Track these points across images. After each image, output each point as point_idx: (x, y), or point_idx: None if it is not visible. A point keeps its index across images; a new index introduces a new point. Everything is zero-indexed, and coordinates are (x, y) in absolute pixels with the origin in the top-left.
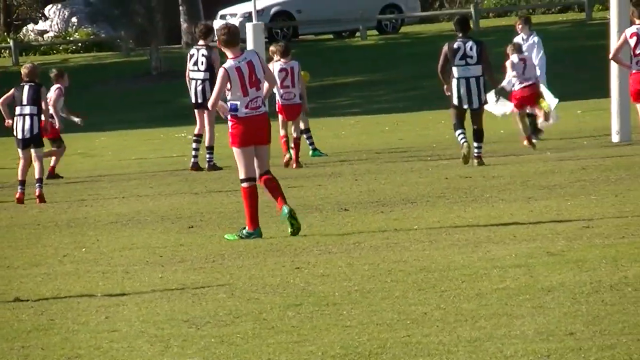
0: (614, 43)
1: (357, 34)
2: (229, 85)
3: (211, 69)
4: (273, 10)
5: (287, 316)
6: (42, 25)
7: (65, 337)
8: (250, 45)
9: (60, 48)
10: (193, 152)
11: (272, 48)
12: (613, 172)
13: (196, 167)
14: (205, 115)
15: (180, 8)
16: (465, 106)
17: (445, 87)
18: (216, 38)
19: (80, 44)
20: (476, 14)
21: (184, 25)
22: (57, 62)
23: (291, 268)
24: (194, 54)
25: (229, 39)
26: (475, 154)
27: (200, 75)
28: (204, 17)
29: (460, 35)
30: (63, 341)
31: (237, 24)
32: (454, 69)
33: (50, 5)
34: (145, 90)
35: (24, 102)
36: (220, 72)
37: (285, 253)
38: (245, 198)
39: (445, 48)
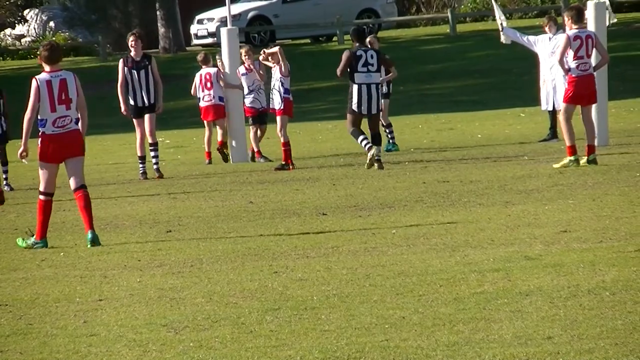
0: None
1: (334, 38)
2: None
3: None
4: (250, 14)
5: (266, 320)
6: (19, 29)
7: (44, 342)
8: (224, 50)
9: (38, 52)
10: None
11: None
12: (590, 176)
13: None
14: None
15: (158, 13)
16: (365, 112)
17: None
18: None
19: None
20: (453, 18)
21: (161, 30)
22: (34, 67)
23: (269, 272)
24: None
25: (50, 55)
26: (377, 158)
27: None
28: (181, 21)
29: (358, 44)
30: (41, 345)
31: (214, 28)
32: (357, 76)
33: (28, 10)
34: None
35: None
36: (33, 84)
37: (264, 257)
38: (39, 210)
39: (348, 54)
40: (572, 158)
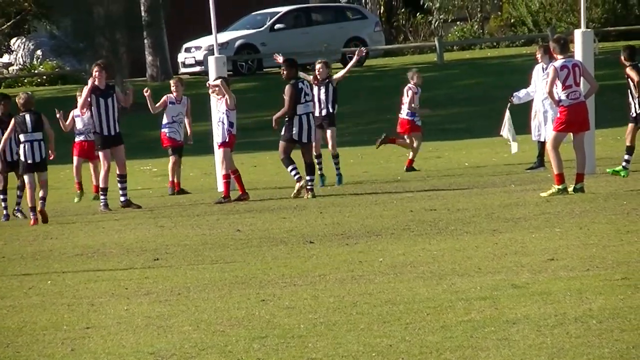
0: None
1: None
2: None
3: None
4: (238, 43)
5: (253, 348)
6: (6, 58)
7: None
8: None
9: (25, 81)
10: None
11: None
12: (577, 204)
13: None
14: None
15: (145, 41)
16: (305, 140)
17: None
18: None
19: (45, 77)
20: (440, 47)
21: (148, 58)
22: None
23: (256, 300)
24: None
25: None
26: (309, 187)
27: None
28: (169, 50)
29: (295, 78)
30: None
31: (201, 56)
32: (299, 107)
33: (15, 39)
34: None
35: (29, 129)
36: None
37: (251, 285)
38: None
39: (292, 90)
40: (559, 187)
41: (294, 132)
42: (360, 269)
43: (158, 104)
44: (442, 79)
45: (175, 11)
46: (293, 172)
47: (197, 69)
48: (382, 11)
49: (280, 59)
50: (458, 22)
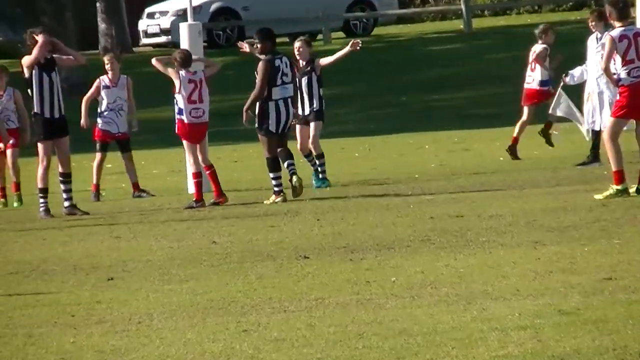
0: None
1: (319, 36)
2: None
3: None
4: (213, 6)
5: None
6: None
7: None
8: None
9: None
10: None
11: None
12: None
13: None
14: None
15: (97, 5)
16: (282, 131)
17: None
18: None
19: None
20: (467, 11)
21: (101, 27)
22: None
23: (237, 331)
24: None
25: None
26: (295, 184)
27: None
28: (127, 16)
29: (271, 52)
30: None
31: (168, 23)
32: (274, 91)
33: None
34: None
35: None
36: None
37: (230, 312)
38: None
39: (266, 65)
40: (619, 187)
41: (271, 123)
42: (367, 290)
43: (91, 91)
44: (469, 52)
45: None
46: (275, 182)
47: (163, 39)
48: None
49: (246, 47)
50: None
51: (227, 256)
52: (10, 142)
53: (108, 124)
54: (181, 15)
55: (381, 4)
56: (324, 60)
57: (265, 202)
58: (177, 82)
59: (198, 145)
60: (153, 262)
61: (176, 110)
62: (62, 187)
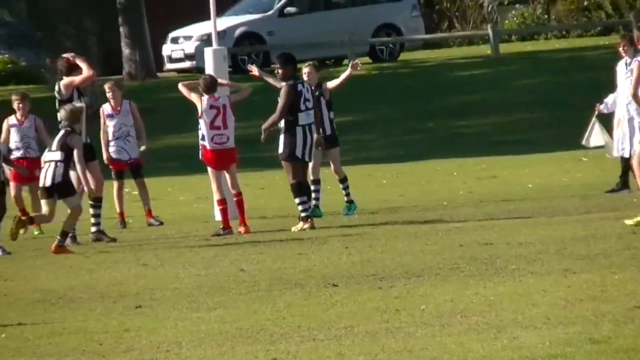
0: None
1: (345, 61)
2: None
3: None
4: (238, 31)
5: None
6: None
7: None
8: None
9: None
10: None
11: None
12: None
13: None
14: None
15: (121, 30)
16: (307, 159)
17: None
18: None
19: None
20: (495, 36)
21: (125, 52)
22: None
23: (266, 359)
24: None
25: None
26: (306, 215)
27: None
28: (151, 39)
29: (293, 77)
30: None
31: (192, 48)
32: (300, 116)
33: None
34: None
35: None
36: None
37: (258, 340)
38: None
39: (289, 89)
40: None
41: (298, 148)
42: (397, 319)
43: (101, 122)
44: (496, 78)
45: None
46: (301, 207)
47: (187, 64)
48: None
49: (255, 70)
50: (517, 6)
51: (255, 284)
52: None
53: (119, 153)
54: (205, 40)
55: (407, 29)
56: (331, 84)
57: (293, 229)
58: (199, 108)
59: (226, 172)
60: (181, 290)
61: (200, 136)
62: (91, 211)
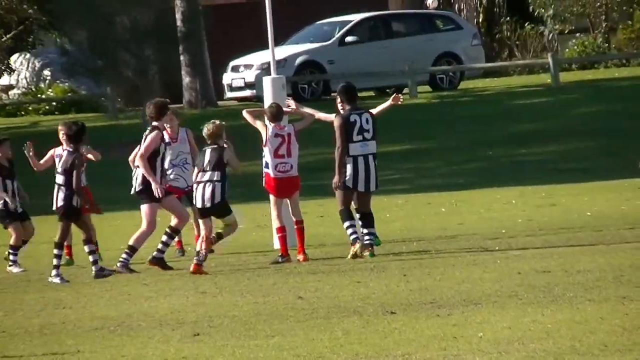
0: None
1: (405, 90)
2: None
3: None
4: (299, 60)
5: None
6: (6, 79)
7: None
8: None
9: (30, 108)
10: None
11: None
12: None
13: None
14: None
15: (182, 58)
16: (362, 189)
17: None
18: None
19: (54, 103)
20: (555, 65)
21: (185, 80)
22: (25, 126)
23: None
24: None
25: None
26: (367, 242)
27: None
28: (212, 69)
29: (350, 107)
30: None
31: (253, 77)
32: (351, 147)
33: (17, 55)
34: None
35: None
36: None
37: None
38: None
39: (341, 121)
40: None
41: (347, 177)
42: (454, 346)
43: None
44: (556, 106)
45: (219, 21)
46: (350, 231)
47: (248, 92)
48: (481, 20)
49: (292, 104)
50: (577, 34)
51: (314, 312)
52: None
53: (176, 181)
54: (266, 69)
55: (468, 58)
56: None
57: (349, 256)
58: (264, 135)
59: (288, 200)
60: (239, 317)
61: (263, 164)
62: (164, 238)
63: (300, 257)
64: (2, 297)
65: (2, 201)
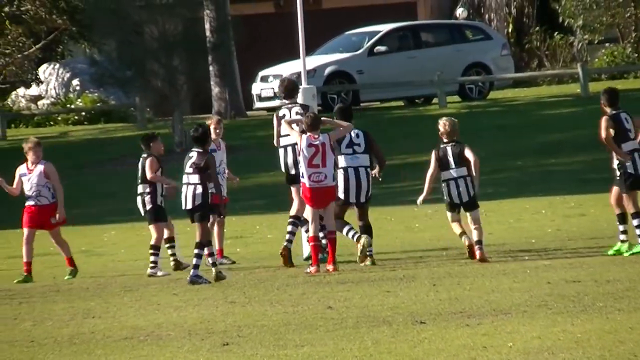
0: None
1: (435, 100)
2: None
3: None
4: (328, 70)
5: None
6: (35, 89)
7: None
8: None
9: (59, 118)
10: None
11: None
12: None
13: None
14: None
15: (210, 68)
16: (353, 200)
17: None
18: None
19: (83, 114)
20: (584, 75)
21: (215, 90)
22: (54, 136)
23: None
24: (285, 114)
25: None
26: (368, 252)
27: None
28: (240, 78)
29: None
30: None
31: None
32: (340, 159)
33: (46, 65)
34: (166, 172)
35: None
36: None
37: None
38: None
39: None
40: None
41: (339, 190)
42: (484, 356)
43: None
44: (586, 116)
45: (248, 31)
46: (350, 234)
47: (277, 102)
48: (510, 30)
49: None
50: (607, 44)
51: (343, 321)
52: (52, 221)
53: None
54: (295, 79)
55: (497, 68)
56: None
57: (358, 254)
58: (298, 144)
59: (325, 210)
60: (268, 327)
61: (300, 174)
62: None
63: (330, 267)
64: (31, 307)
65: (161, 198)
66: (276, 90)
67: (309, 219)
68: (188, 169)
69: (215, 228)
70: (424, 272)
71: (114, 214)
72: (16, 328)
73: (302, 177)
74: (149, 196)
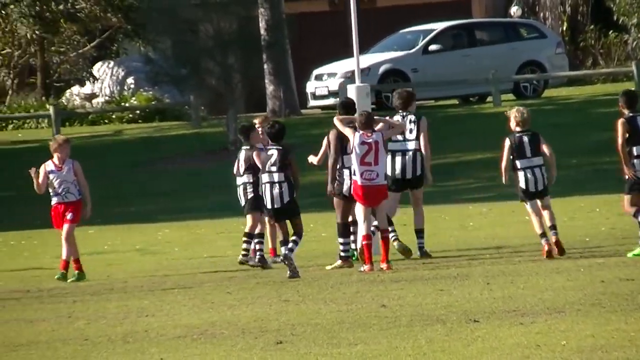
0: None
1: (489, 98)
2: None
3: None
4: (382, 68)
5: None
6: (89, 87)
7: None
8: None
9: (113, 116)
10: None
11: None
12: None
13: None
14: None
15: (265, 67)
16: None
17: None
18: None
19: (138, 112)
20: (639, 73)
21: (269, 88)
22: (108, 134)
23: None
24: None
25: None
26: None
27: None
28: (295, 77)
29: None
30: None
31: (336, 85)
32: (346, 158)
33: (101, 63)
34: (220, 170)
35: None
36: None
37: None
38: None
39: (336, 134)
40: None
41: (343, 187)
42: (538, 354)
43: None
44: None
45: (302, 29)
46: (342, 248)
47: (332, 101)
48: (565, 28)
49: (314, 160)
50: None
51: (397, 320)
52: (68, 216)
53: None
54: (350, 77)
55: (552, 66)
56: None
57: (327, 267)
58: (351, 142)
59: (375, 208)
60: (322, 325)
61: (352, 171)
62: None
63: (384, 265)
64: (85, 305)
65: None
66: (331, 89)
67: (361, 217)
68: (271, 167)
69: (268, 227)
70: (478, 270)
71: (167, 212)
72: (70, 326)
73: (354, 174)
74: (251, 186)
